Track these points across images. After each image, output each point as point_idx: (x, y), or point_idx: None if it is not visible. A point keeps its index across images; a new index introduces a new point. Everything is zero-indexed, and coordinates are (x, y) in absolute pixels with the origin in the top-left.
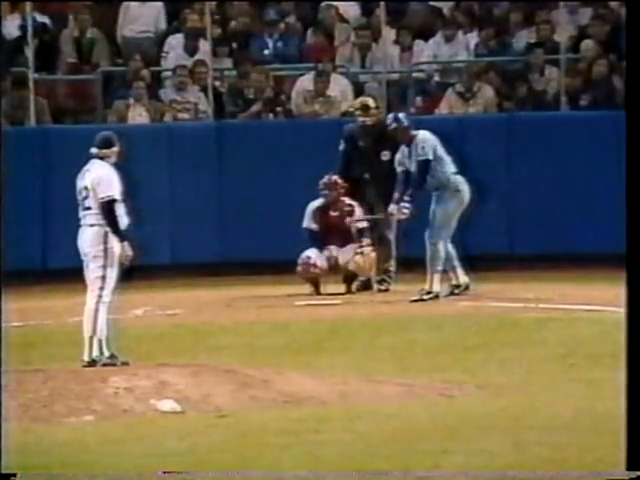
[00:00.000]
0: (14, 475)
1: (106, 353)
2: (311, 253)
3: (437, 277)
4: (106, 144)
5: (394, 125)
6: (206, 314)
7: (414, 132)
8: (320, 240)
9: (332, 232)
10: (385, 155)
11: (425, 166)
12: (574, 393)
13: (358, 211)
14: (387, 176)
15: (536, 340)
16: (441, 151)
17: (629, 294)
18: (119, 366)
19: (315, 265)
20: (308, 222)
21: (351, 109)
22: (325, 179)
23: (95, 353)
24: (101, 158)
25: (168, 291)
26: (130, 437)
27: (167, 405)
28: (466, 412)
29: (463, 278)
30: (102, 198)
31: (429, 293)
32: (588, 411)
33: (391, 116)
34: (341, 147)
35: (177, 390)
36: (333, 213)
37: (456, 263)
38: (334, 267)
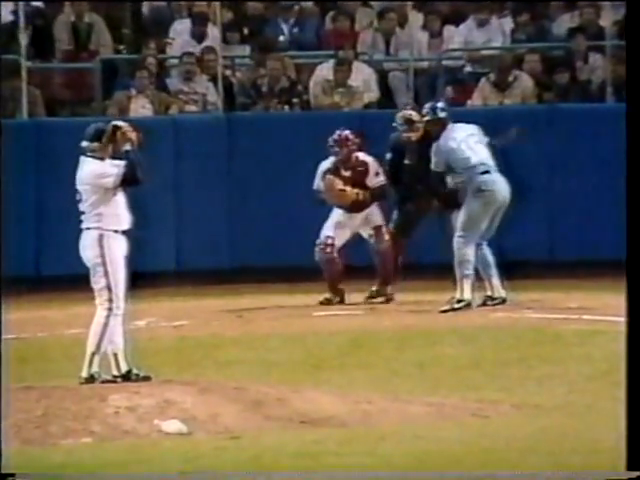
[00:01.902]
0: (12, 475)
1: (124, 368)
2: (330, 231)
3: (467, 283)
4: (96, 137)
5: (428, 117)
6: (215, 326)
7: (448, 126)
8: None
9: None
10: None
11: (435, 177)
12: (620, 414)
13: (373, 167)
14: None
15: (579, 355)
16: (462, 151)
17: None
18: (138, 381)
19: (333, 245)
20: (318, 184)
21: (394, 124)
22: (335, 135)
23: (94, 369)
24: (92, 152)
25: (173, 300)
26: (132, 460)
27: (172, 426)
28: (502, 434)
29: (499, 291)
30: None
31: (460, 302)
32: None
33: (428, 106)
34: (388, 157)
35: (183, 409)
36: (345, 173)
37: (493, 272)
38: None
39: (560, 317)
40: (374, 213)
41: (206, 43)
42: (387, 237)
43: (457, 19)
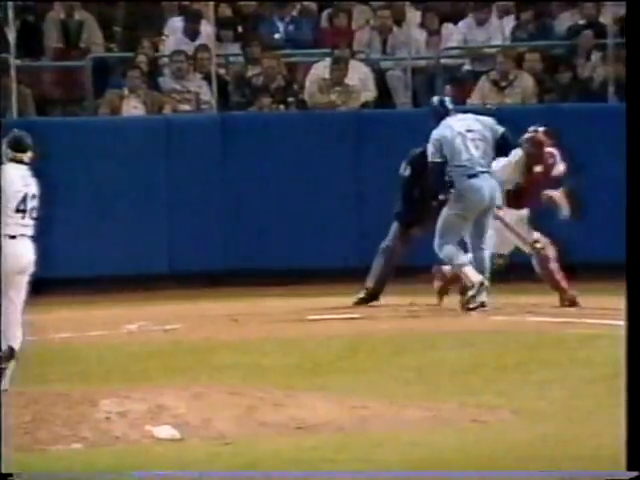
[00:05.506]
0: (11, 475)
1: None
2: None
3: (468, 269)
4: (21, 147)
5: (434, 104)
6: (208, 329)
7: (448, 116)
8: None
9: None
10: None
11: (432, 169)
12: (623, 419)
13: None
14: None
15: (580, 359)
16: (457, 144)
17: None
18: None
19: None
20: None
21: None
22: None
23: None
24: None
25: (166, 304)
26: (123, 467)
27: (164, 431)
28: (501, 440)
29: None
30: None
31: (472, 287)
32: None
33: (436, 98)
34: (406, 172)
35: (176, 415)
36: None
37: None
38: None
39: (560, 321)
40: None
41: (199, 41)
42: None
43: (456, 17)
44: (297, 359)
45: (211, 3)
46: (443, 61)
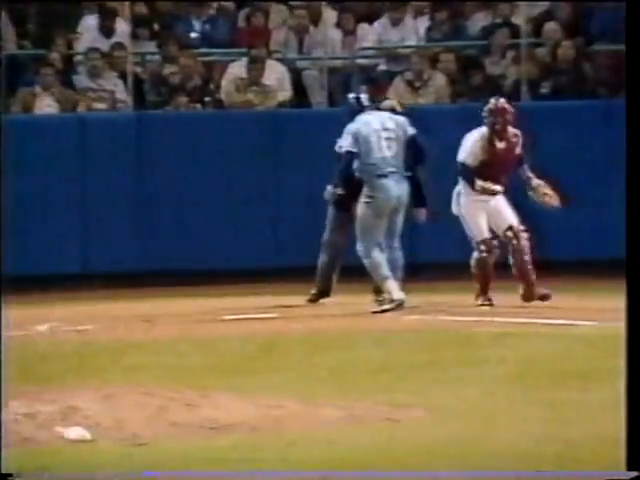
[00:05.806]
0: (11, 475)
1: None
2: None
3: (391, 283)
4: None
5: (351, 102)
6: (121, 330)
7: (364, 112)
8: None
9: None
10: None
11: (344, 157)
12: (534, 417)
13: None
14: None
15: (492, 357)
16: (370, 140)
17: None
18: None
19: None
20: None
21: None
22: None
23: None
24: None
25: (78, 304)
26: (31, 469)
27: (74, 433)
28: (414, 438)
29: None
30: None
31: (392, 301)
32: (550, 437)
33: (352, 95)
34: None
35: (86, 416)
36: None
37: (397, 278)
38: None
39: (472, 319)
40: None
41: (115, 39)
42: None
43: (371, 17)
44: (211, 359)
45: (127, 2)
46: (359, 61)
